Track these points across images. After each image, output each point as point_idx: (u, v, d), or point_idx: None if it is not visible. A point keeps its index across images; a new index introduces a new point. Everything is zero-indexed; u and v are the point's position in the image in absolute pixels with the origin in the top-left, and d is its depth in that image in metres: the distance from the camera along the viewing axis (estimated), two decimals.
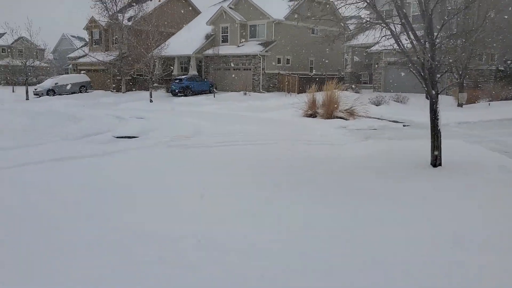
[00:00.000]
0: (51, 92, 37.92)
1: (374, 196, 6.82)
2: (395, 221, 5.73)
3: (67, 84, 38.87)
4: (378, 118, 19.16)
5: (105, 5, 38.24)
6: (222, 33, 36.32)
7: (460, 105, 22.87)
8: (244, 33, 35.31)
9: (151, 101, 30.78)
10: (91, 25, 43.18)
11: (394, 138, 13.51)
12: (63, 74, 50.46)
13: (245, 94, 31.97)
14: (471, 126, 16.42)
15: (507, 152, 10.54)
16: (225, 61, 35.57)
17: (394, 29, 8.92)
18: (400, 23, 8.80)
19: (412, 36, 8.61)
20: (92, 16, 41.43)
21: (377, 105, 22.82)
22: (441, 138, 8.74)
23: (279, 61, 34.44)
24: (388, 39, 9.12)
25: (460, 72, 22.06)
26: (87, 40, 48.79)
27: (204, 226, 5.43)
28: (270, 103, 26.12)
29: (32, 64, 41.88)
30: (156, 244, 4.84)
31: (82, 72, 43.52)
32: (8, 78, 54.23)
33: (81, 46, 52.86)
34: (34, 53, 45.56)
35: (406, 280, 4.20)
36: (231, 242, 4.96)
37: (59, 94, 37.81)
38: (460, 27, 16.62)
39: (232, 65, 35.31)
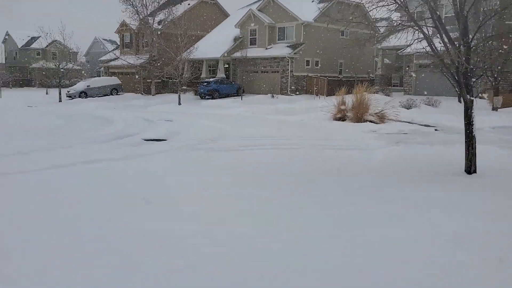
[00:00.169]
0: (83, 94, 38.75)
1: (408, 205, 6.59)
2: (434, 237, 5.52)
3: (99, 87, 39.64)
4: (409, 122, 18.76)
5: (136, 9, 38.86)
6: (250, 36, 36.37)
7: (495, 109, 22.19)
8: (272, 36, 35.26)
9: (179, 103, 31.05)
10: (122, 28, 43.95)
11: (426, 143, 13.16)
12: (95, 76, 51.56)
13: (273, 97, 31.88)
14: (507, 131, 15.87)
15: None
16: (253, 63, 35.59)
17: (427, 32, 8.69)
18: (432, 25, 8.56)
19: (445, 39, 8.35)
20: (123, 20, 42.18)
21: (408, 109, 22.38)
22: (476, 144, 8.45)
23: (307, 63, 34.23)
24: (420, 41, 8.89)
25: (496, 75, 21.41)
26: (118, 44, 49.71)
27: (239, 231, 5.37)
28: (298, 106, 25.95)
29: (65, 67, 42.91)
30: (192, 246, 4.81)
31: (113, 74, 44.32)
32: (43, 80, 55.76)
33: (113, 50, 53.88)
34: (67, 56, 46.67)
35: None
36: (276, 253, 4.88)
37: (91, 96, 38.58)
38: (496, 29, 16.10)
39: (260, 67, 35.30)
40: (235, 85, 35.39)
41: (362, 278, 4.23)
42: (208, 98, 33.22)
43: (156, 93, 39.58)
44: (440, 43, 8.52)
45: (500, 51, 11.97)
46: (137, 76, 41.71)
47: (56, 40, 50.32)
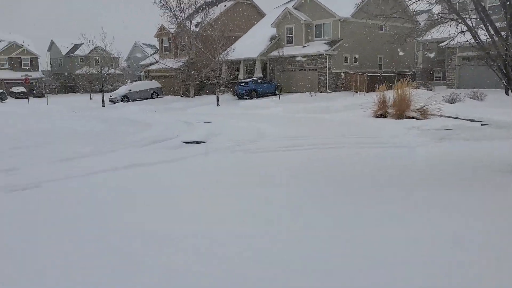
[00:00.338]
0: (125, 98, 39.71)
1: (455, 210, 6.30)
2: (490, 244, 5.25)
3: (139, 91, 40.53)
4: (453, 117, 18.11)
5: (173, 13, 39.48)
6: (287, 34, 36.21)
7: None
8: (309, 33, 34.95)
9: (217, 105, 31.29)
10: (161, 32, 44.75)
11: (471, 139, 12.64)
12: (136, 81, 52.75)
13: (311, 95, 31.60)
14: None
15: None
16: (290, 62, 35.40)
17: (470, 23, 8.32)
18: (477, 17, 8.18)
19: (491, 30, 7.96)
20: (162, 24, 42.94)
21: (451, 103, 21.64)
22: None
23: (346, 59, 33.71)
24: (463, 33, 8.52)
25: None
26: (158, 48, 50.66)
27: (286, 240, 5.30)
28: (337, 103, 25.60)
29: (108, 72, 44.14)
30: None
31: (153, 78, 45.20)
32: (86, 86, 57.59)
33: (152, 54, 54.99)
34: (109, 62, 47.96)
35: None
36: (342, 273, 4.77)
37: (133, 100, 39.49)
38: None
39: (298, 66, 35.06)
40: (273, 84, 35.32)
41: None
42: (246, 98, 33.31)
43: (195, 95, 40.08)
44: (486, 35, 8.13)
45: None
46: (176, 79, 42.38)
47: (98, 47, 51.86)
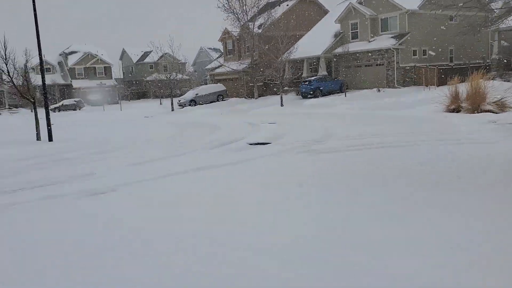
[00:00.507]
0: (192, 102, 40.82)
1: None
2: None
3: (206, 94, 41.49)
4: None
5: (236, 16, 40.02)
6: (351, 30, 35.49)
7: None
8: (374, 28, 34.02)
9: (281, 105, 31.29)
10: (225, 36, 45.53)
11: None
12: (202, 85, 54.06)
13: (379, 91, 30.72)
14: None
15: None
16: (356, 58, 34.63)
17: None
18: None
19: None
20: (226, 28, 43.69)
21: None
22: None
23: (414, 53, 32.43)
24: None
25: None
26: (222, 51, 51.62)
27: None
28: (407, 99, 24.69)
29: (175, 78, 45.60)
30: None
31: (218, 81, 46.10)
32: (156, 92, 59.90)
33: (217, 57, 56.12)
34: (177, 67, 49.56)
35: None
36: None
37: (199, 104, 40.50)
38: None
39: (363, 61, 34.24)
40: (338, 82, 34.75)
41: None
42: (310, 97, 33.03)
43: (259, 96, 40.37)
44: None
45: None
46: (240, 81, 42.93)
47: (166, 53, 53.72)
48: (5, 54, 20.21)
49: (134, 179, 9.18)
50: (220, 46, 55.13)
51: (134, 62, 77.30)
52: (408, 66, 32.14)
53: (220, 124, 21.50)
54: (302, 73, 37.91)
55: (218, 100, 41.36)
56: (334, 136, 14.07)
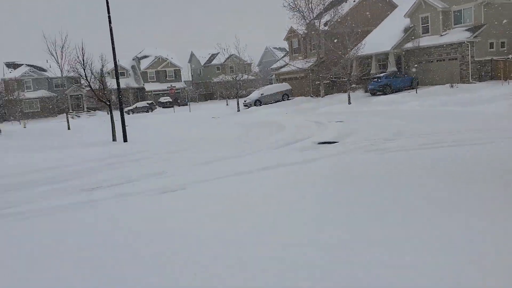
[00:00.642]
0: (258, 102, 41.13)
1: None
2: None
3: (271, 94, 41.65)
4: None
5: (302, 14, 39.81)
6: (422, 24, 34.09)
7: None
8: (446, 21, 32.43)
9: (349, 103, 30.70)
10: (290, 35, 45.46)
11: None
12: (267, 84, 54.37)
13: (452, 86, 29.24)
14: None
15: None
16: (427, 53, 33.20)
17: None
18: None
19: None
20: (291, 27, 43.60)
21: None
22: None
23: (491, 46, 30.52)
24: None
25: None
26: (287, 50, 51.58)
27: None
28: (483, 94, 23.31)
29: (241, 78, 46.23)
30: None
31: (284, 80, 46.13)
32: (223, 93, 61.08)
33: (282, 57, 56.13)
34: (243, 68, 50.22)
35: None
36: None
37: (265, 104, 40.72)
38: None
39: (435, 56, 32.75)
40: (408, 78, 33.51)
41: None
42: (379, 94, 32.13)
43: (325, 94, 39.88)
44: None
45: None
46: (306, 80, 42.68)
47: (232, 55, 54.66)
48: (83, 60, 21.51)
49: (202, 178, 9.40)
50: (285, 45, 55.14)
51: (202, 64, 79.31)
52: (484, 60, 30.32)
53: (286, 124, 21.49)
54: (370, 70, 36.97)
55: (283, 100, 41.37)
56: (404, 134, 13.57)
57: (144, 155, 14.63)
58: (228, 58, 60.71)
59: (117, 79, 20.43)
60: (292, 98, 41.34)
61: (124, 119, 20.25)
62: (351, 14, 39.88)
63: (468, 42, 29.80)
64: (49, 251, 5.45)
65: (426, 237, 4.97)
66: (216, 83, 72.01)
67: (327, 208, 6.50)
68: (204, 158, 12.55)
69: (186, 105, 58.77)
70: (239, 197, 7.62)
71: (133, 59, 75.96)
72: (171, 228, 6.05)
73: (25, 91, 61.59)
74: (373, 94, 32.97)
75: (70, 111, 60.22)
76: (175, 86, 66.28)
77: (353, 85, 35.03)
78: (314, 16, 40.07)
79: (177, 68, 74.21)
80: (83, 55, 21.76)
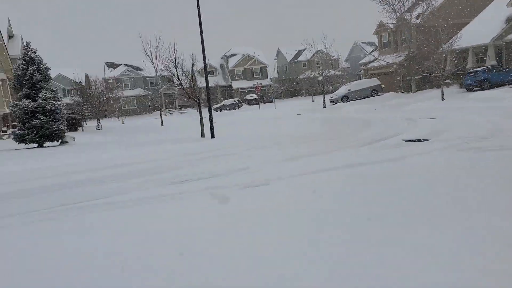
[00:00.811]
0: (344, 98, 40.44)
1: None
2: None
3: (359, 90, 40.71)
4: None
5: (392, 7, 38.43)
6: None
7: None
8: None
9: (442, 99, 29.09)
10: (380, 29, 44.08)
11: None
12: (355, 80, 53.23)
13: None
14: None
15: None
16: None
17: None
18: None
19: None
20: (381, 21, 42.27)
21: None
22: None
23: None
24: None
25: None
26: (377, 45, 50.06)
27: None
28: None
29: (328, 74, 45.64)
30: None
31: (372, 76, 44.85)
32: (309, 89, 60.81)
33: (371, 51, 54.66)
34: (329, 64, 49.53)
35: None
36: None
37: (352, 100, 39.91)
38: None
39: None
40: (510, 72, 30.94)
41: None
42: (476, 90, 30.04)
43: (417, 90, 38.14)
44: None
45: None
46: (396, 75, 41.12)
47: (319, 50, 54.15)
48: (175, 59, 22.56)
49: (286, 174, 9.43)
50: (374, 39, 53.55)
51: (288, 61, 79.60)
52: None
53: (374, 120, 20.89)
54: (466, 64, 34.69)
55: (372, 96, 40.26)
56: (503, 132, 12.56)
57: (229, 150, 15.02)
58: (314, 54, 60.21)
59: (206, 78, 21.15)
60: (381, 94, 40.10)
61: (212, 116, 20.95)
62: (445, 6, 37.66)
63: None
64: (132, 239, 5.77)
65: None
66: (302, 79, 71.90)
67: (416, 208, 6.20)
68: (288, 154, 12.59)
69: (272, 102, 59.38)
70: (322, 193, 7.53)
71: (221, 58, 78.26)
72: (254, 221, 6.13)
73: (123, 89, 65.95)
74: (470, 89, 30.91)
75: (164, 108, 63.49)
76: (261, 84, 67.17)
77: (447, 81, 33.12)
78: (405, 9, 38.46)
79: (263, 65, 75.18)
80: (175, 55, 22.85)
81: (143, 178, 10.51)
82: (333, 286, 3.97)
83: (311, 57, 67.06)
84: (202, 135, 21.44)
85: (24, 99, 20.77)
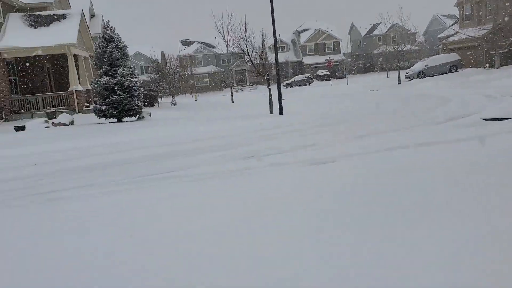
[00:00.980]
0: (421, 74, 38.65)
1: None
2: None
3: (436, 65, 38.69)
4: None
5: None
6: None
7: None
8: None
9: None
10: (462, 0, 41.32)
11: None
12: (433, 55, 50.58)
13: None
14: None
15: None
16: None
17: None
18: None
19: None
20: None
21: None
22: None
23: None
24: None
25: None
26: (458, 17, 47.09)
27: None
28: None
29: (404, 49, 43.73)
30: None
31: (452, 51, 42.37)
32: (383, 64, 58.71)
33: (451, 25, 51.53)
34: (406, 38, 47.37)
35: None
36: None
37: (429, 76, 38.06)
38: None
39: None
40: None
41: None
42: None
43: (501, 65, 35.53)
44: None
45: None
46: (478, 50, 38.52)
47: (395, 24, 51.93)
48: (246, 36, 22.70)
49: (354, 152, 9.29)
50: (455, 11, 50.31)
51: (362, 35, 77.17)
52: None
53: (451, 97, 19.85)
54: None
55: (450, 71, 38.12)
56: None
57: (297, 127, 15.02)
58: (390, 28, 57.89)
59: (276, 54, 21.11)
60: (461, 70, 37.85)
61: (280, 92, 20.95)
62: None
63: None
64: (194, 212, 6.01)
65: None
66: (376, 54, 69.53)
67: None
68: (358, 131, 12.36)
69: (344, 77, 58.11)
70: (389, 171, 7.34)
71: (293, 33, 77.45)
72: (320, 195, 6.14)
73: (196, 66, 67.56)
74: None
75: (234, 85, 64.36)
76: (333, 59, 65.85)
77: None
78: None
79: (336, 40, 73.51)
80: (245, 31, 22.99)
81: (212, 153, 10.84)
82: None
83: (386, 31, 64.46)
84: (271, 111, 21.55)
85: (104, 76, 21.96)
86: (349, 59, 76.70)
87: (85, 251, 4.51)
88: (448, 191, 5.81)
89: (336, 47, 73.32)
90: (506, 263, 3.51)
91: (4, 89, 24.19)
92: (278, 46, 21.06)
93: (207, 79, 70.27)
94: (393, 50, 44.46)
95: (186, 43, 73.71)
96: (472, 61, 39.19)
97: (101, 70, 22.22)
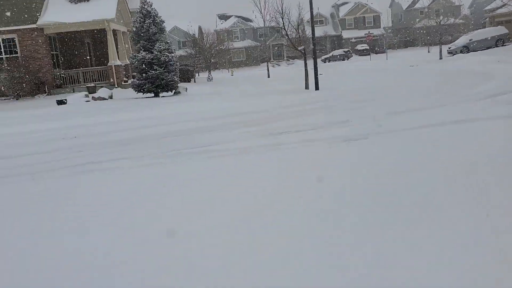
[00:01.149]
0: (464, 49, 37.17)
1: None
2: None
3: (481, 39, 37.06)
4: None
5: None
6: None
7: None
8: None
9: None
10: None
11: None
12: (478, 29, 48.40)
13: None
14: None
15: None
16: None
17: None
18: None
19: None
20: None
21: None
22: None
23: None
24: None
25: None
26: None
27: None
28: None
29: (447, 23, 42.03)
30: None
31: (499, 24, 40.40)
32: (424, 39, 56.70)
33: None
34: (450, 11, 45.45)
35: None
36: None
37: (473, 51, 36.54)
38: None
39: None
40: None
41: None
42: None
43: None
44: None
45: None
46: None
47: None
48: (282, 9, 22.39)
49: (387, 129, 9.14)
50: None
51: (404, 9, 74.64)
52: None
53: (495, 73, 19.03)
54: None
55: (497, 46, 36.43)
56: None
57: (332, 103, 14.86)
58: (433, 0, 55.60)
59: (313, 28, 20.77)
60: (509, 44, 36.12)
61: (316, 67, 20.68)
62: None
63: None
64: (224, 187, 6.11)
65: None
66: (418, 28, 67.16)
67: None
68: (393, 108, 12.11)
69: (384, 52, 56.57)
70: (424, 150, 7.20)
71: (332, 6, 75.71)
72: (352, 169, 6.12)
73: (233, 41, 67.32)
74: None
75: (271, 60, 63.87)
76: (372, 33, 64.08)
77: None
78: None
79: (376, 13, 71.40)
80: (282, 5, 22.65)
81: (242, 129, 10.90)
82: None
83: (429, 4, 61.96)
84: (306, 87, 21.36)
85: (141, 51, 22.27)
86: (389, 34, 74.49)
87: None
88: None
89: (376, 21, 71.25)
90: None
91: (47, 63, 24.99)
92: (316, 20, 20.65)
93: (244, 54, 70.02)
94: (435, 24, 42.82)
95: (223, 17, 73.43)
96: None
97: (139, 45, 22.53)
